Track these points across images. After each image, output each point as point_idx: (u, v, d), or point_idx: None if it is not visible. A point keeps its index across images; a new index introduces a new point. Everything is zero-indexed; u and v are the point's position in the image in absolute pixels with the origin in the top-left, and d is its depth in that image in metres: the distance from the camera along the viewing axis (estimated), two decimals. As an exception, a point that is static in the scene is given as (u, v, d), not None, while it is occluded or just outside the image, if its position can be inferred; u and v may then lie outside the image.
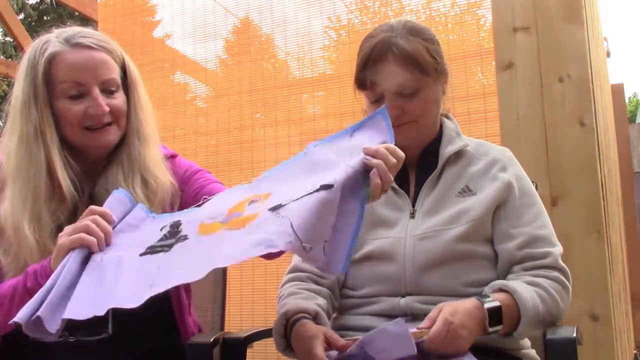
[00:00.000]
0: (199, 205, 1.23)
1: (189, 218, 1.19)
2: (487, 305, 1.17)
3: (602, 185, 2.09)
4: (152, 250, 1.13)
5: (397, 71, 1.30)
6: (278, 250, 0.99)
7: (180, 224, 1.18)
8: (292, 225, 1.00)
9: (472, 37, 2.69)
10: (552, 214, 1.88)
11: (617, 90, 4.35)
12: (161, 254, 1.11)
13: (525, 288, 1.21)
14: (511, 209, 1.32)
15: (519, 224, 1.30)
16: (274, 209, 1.06)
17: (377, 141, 1.13)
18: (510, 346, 1.27)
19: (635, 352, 2.02)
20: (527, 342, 1.33)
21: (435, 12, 2.78)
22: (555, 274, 1.26)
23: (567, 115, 2.08)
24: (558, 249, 1.30)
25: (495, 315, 1.17)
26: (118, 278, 1.07)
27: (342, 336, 1.20)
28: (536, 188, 1.41)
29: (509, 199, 1.32)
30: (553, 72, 2.12)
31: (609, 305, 1.94)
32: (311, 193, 1.05)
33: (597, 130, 2.13)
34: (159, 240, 1.15)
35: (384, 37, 1.33)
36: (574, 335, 1.18)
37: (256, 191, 1.17)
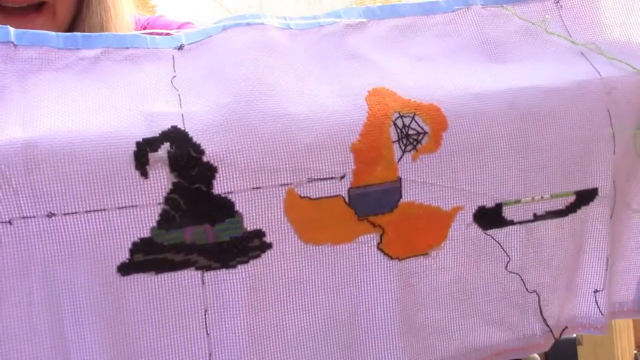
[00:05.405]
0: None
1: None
2: None
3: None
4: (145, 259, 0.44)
5: None
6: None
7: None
8: (540, 306, 0.54)
9: (472, 37, 2.70)
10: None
11: (617, 90, 4.35)
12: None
13: None
14: None
15: None
16: (483, 222, 0.52)
17: None
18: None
19: (635, 352, 2.02)
20: (527, 342, 1.33)
21: (435, 12, 2.79)
22: None
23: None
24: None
25: None
26: None
27: None
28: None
29: None
30: (553, 72, 2.12)
31: (609, 305, 1.94)
32: (559, 214, 0.54)
33: (597, 130, 2.12)
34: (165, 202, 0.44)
35: None
36: (574, 335, 1.18)
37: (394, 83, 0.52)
